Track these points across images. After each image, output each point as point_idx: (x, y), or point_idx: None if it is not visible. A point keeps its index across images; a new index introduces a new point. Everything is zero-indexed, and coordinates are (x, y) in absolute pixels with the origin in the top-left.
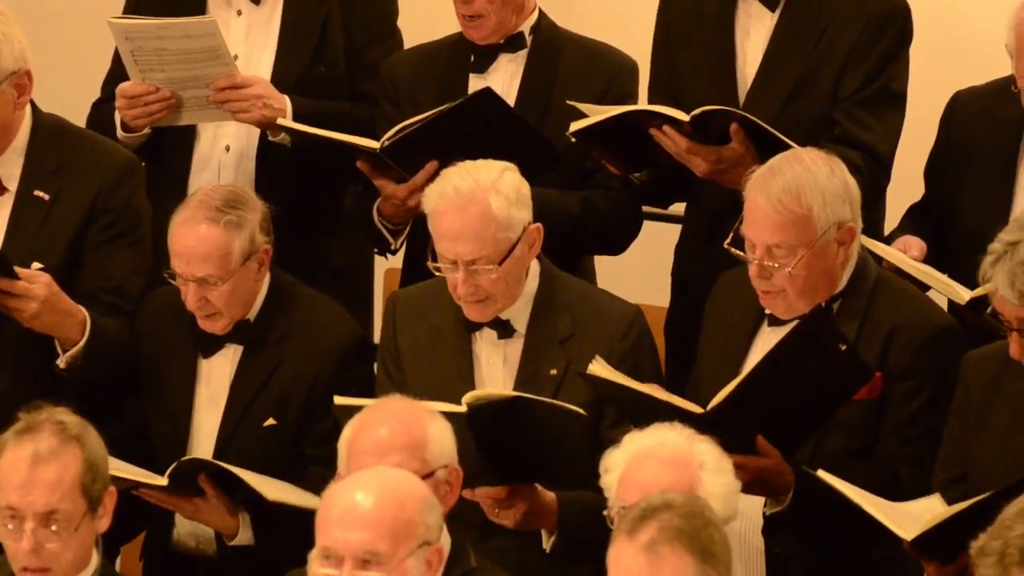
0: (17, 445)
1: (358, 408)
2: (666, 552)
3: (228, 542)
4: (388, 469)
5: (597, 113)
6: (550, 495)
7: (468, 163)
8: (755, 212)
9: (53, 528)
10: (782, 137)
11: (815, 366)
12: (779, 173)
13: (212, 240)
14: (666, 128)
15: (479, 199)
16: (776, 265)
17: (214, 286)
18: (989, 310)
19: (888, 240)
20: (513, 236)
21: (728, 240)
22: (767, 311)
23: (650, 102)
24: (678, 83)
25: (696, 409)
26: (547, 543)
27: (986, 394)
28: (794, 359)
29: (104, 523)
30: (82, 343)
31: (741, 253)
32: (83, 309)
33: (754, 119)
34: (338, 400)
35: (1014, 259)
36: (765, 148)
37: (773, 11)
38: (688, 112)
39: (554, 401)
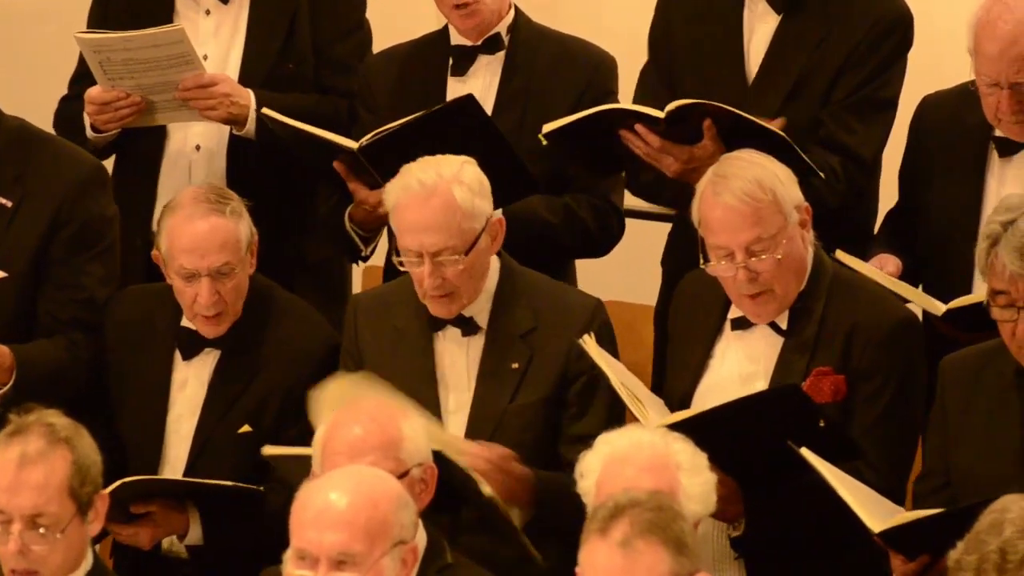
0: (5, 447)
1: (289, 457)
2: (641, 546)
3: (180, 542)
4: (361, 468)
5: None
6: (525, 470)
7: (427, 158)
8: (725, 217)
9: (40, 531)
10: (763, 123)
11: (791, 433)
12: (730, 174)
13: (224, 229)
14: (639, 127)
15: (442, 190)
16: (763, 258)
17: (228, 276)
18: (987, 299)
19: (866, 256)
20: (477, 226)
21: (701, 260)
22: (731, 316)
23: (640, 89)
24: (676, 75)
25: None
26: (518, 520)
27: (964, 398)
28: (763, 422)
29: (96, 527)
30: (9, 384)
31: (720, 264)
32: (6, 352)
33: (732, 109)
34: (267, 450)
35: (1016, 233)
36: (736, 146)
37: (779, 13)
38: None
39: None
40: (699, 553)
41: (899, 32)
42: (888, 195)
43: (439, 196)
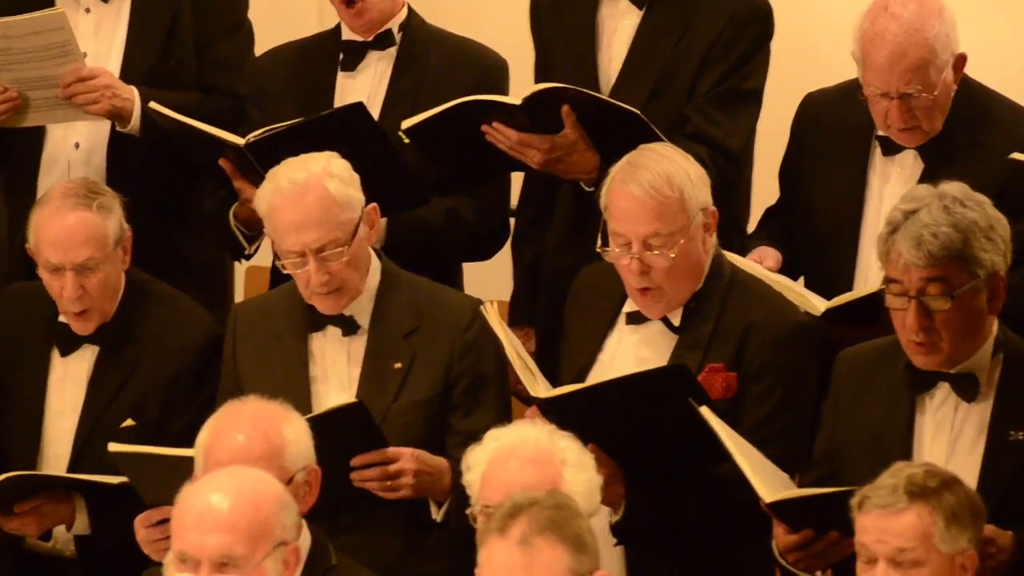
0: None
1: (135, 455)
2: (540, 544)
3: (68, 531)
4: (243, 469)
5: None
6: (440, 460)
7: (292, 159)
8: (627, 205)
9: None
10: (621, 105)
11: (673, 416)
12: (642, 165)
13: (89, 223)
14: (495, 123)
15: (315, 185)
16: (657, 253)
17: (93, 271)
18: (882, 285)
19: (744, 249)
20: (355, 216)
21: (599, 244)
22: (626, 310)
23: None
24: (550, 72)
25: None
26: (437, 514)
27: (857, 392)
28: (649, 402)
29: None
30: None
31: (616, 251)
32: None
33: (590, 93)
34: (113, 447)
35: (916, 223)
36: (599, 135)
37: (640, 9)
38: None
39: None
40: (597, 552)
41: (758, 23)
42: (763, 192)
43: (313, 191)
